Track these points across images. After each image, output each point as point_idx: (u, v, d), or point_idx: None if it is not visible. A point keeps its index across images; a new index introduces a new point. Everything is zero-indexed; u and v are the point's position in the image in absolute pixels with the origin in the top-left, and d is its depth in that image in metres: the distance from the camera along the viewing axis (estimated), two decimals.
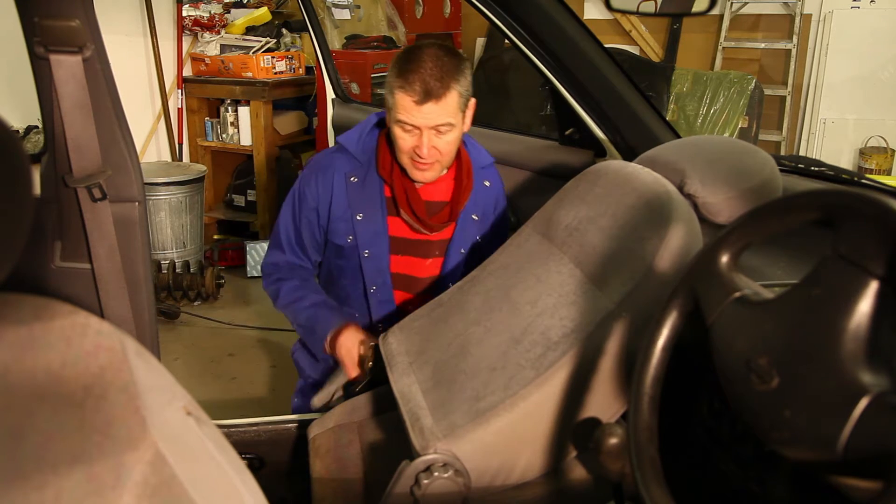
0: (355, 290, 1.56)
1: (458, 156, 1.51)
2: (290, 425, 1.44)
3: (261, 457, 1.40)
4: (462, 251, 1.58)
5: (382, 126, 1.54)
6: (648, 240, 1.08)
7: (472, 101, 1.43)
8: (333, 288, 1.61)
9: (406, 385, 1.18)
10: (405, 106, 1.35)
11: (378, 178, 1.51)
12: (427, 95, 1.33)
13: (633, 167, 1.27)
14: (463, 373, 1.15)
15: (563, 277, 1.19)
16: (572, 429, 1.07)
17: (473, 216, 1.58)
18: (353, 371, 1.44)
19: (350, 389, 1.46)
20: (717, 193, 1.16)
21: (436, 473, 1.01)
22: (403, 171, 1.48)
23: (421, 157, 1.40)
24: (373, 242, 1.52)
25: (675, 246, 1.06)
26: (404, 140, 1.40)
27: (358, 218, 1.50)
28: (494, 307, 1.24)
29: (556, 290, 1.17)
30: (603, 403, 1.07)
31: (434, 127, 1.37)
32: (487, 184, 1.59)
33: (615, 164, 1.31)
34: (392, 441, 1.29)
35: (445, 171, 1.51)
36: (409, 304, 1.57)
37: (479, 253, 1.62)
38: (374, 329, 1.56)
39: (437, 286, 1.59)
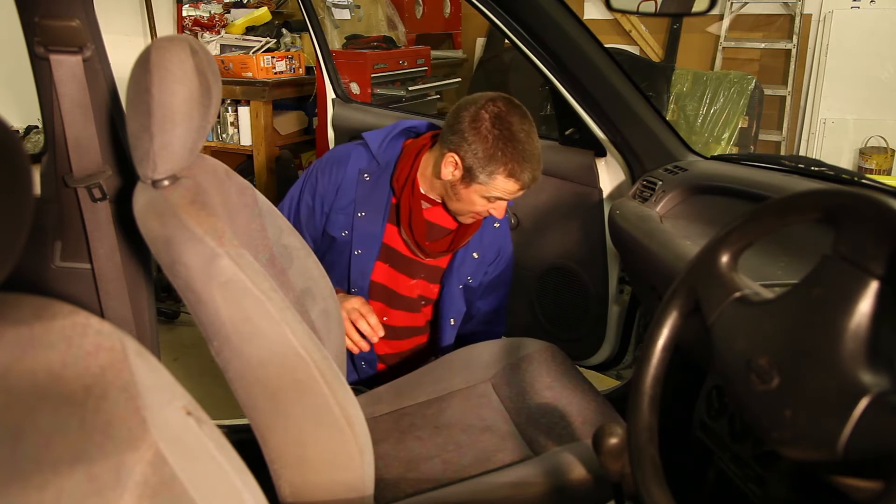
0: (339, 286, 1.55)
1: None
2: None
3: (261, 456, 1.40)
4: (459, 287, 1.57)
5: (408, 136, 1.54)
6: None
7: None
8: None
9: None
10: (508, 189, 1.38)
11: (390, 184, 1.50)
12: (532, 182, 1.38)
13: None
14: None
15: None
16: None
17: (474, 254, 1.57)
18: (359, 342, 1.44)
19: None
20: None
21: None
22: (414, 190, 1.47)
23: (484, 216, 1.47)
24: (366, 243, 1.51)
25: None
26: (483, 208, 1.42)
27: (359, 215, 1.50)
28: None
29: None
30: None
31: None
32: (497, 225, 1.60)
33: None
34: (392, 440, 1.29)
35: None
36: (383, 315, 1.56)
37: (467, 293, 1.61)
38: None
39: (418, 308, 1.59)
